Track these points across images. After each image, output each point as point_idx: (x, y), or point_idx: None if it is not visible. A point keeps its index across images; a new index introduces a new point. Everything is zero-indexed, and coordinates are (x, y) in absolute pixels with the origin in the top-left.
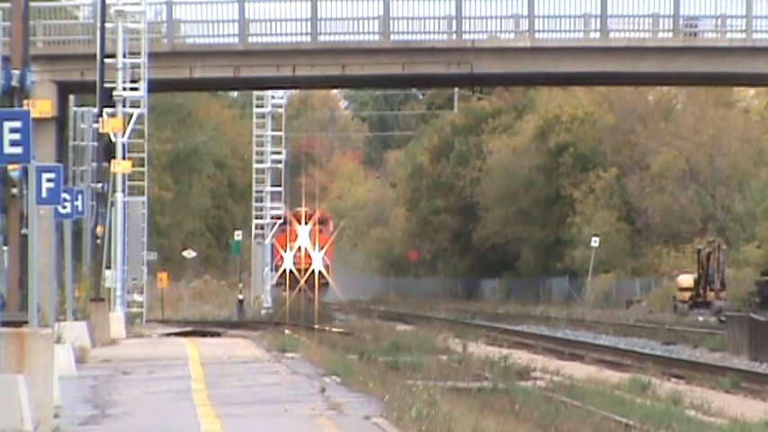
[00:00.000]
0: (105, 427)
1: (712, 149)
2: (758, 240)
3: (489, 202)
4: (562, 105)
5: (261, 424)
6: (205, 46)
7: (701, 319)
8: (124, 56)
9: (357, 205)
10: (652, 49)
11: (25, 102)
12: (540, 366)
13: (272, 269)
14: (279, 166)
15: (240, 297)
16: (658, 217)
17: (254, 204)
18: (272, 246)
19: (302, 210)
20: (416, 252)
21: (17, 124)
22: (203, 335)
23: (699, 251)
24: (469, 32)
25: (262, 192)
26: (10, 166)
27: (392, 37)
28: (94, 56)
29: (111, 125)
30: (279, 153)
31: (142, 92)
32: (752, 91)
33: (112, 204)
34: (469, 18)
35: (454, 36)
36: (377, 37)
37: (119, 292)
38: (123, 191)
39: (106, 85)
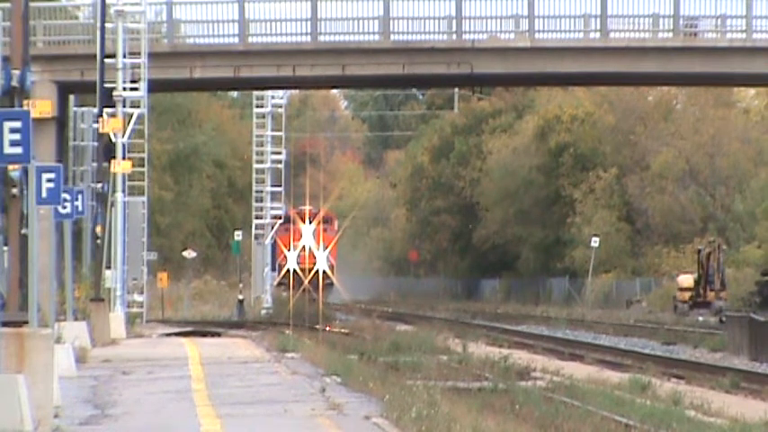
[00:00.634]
0: (105, 428)
1: (712, 149)
2: (758, 240)
3: (489, 203)
4: (562, 105)
5: (261, 424)
6: (205, 46)
7: (701, 319)
8: (124, 56)
9: (357, 205)
10: (652, 49)
11: (25, 102)
12: (541, 366)
13: (272, 269)
14: (279, 166)
15: (240, 297)
16: (658, 217)
17: (254, 204)
18: (275, 245)
19: (306, 208)
20: (416, 252)
21: (17, 124)
22: (203, 335)
23: (699, 251)
24: (469, 32)
25: (262, 192)
26: (10, 167)
27: (392, 37)
28: (94, 56)
29: (111, 125)
30: (279, 153)
31: (142, 92)
32: (752, 91)
33: (112, 204)
34: (469, 18)
35: (454, 36)
36: (377, 37)
37: (119, 292)
38: (123, 191)
39: (106, 85)
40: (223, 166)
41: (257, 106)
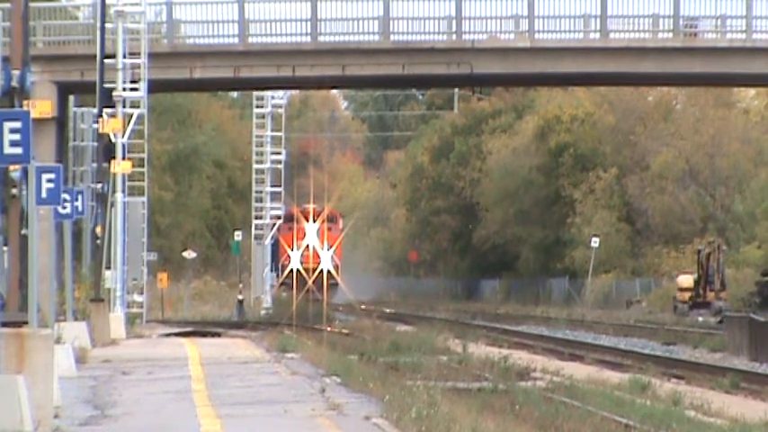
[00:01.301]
0: (105, 428)
1: (712, 149)
2: (758, 241)
3: (489, 203)
4: (562, 106)
5: (261, 424)
6: (205, 46)
7: (700, 319)
8: (124, 56)
9: (357, 205)
10: (652, 50)
11: (25, 102)
12: (540, 367)
13: (272, 269)
14: (279, 166)
15: (240, 297)
16: (658, 217)
17: (254, 205)
18: (278, 244)
19: (310, 207)
20: (416, 252)
21: (17, 124)
22: (203, 335)
23: (699, 251)
24: (469, 33)
25: (262, 192)
26: (11, 167)
27: (392, 37)
28: (94, 56)
29: (110, 125)
30: (279, 153)
31: (142, 92)
32: (752, 91)
33: (112, 205)
34: (469, 18)
35: (454, 36)
36: (377, 37)
37: (119, 293)
38: (123, 191)
39: (106, 86)
40: (223, 166)
41: (257, 106)
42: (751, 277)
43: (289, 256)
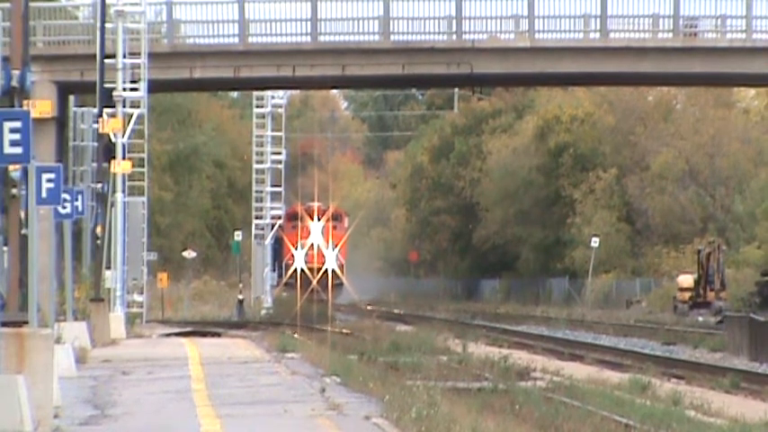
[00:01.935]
0: (105, 428)
1: (712, 150)
2: (758, 241)
3: (489, 203)
4: (562, 106)
5: (261, 424)
6: (205, 46)
7: (700, 319)
8: (124, 56)
9: (357, 205)
10: (652, 50)
11: (25, 102)
12: (540, 367)
13: (272, 269)
14: (279, 166)
15: (240, 297)
16: (658, 217)
17: (254, 204)
18: (279, 243)
19: (315, 205)
20: (416, 252)
21: (17, 124)
22: (203, 335)
23: (699, 251)
24: (469, 33)
25: (262, 192)
26: (11, 167)
27: (392, 37)
28: (94, 56)
29: (110, 125)
30: (279, 153)
31: (142, 92)
32: (752, 91)
33: (112, 205)
34: (469, 18)
35: (454, 36)
36: (377, 37)
37: (119, 293)
38: (123, 191)
39: (106, 86)
40: (223, 166)
41: (257, 106)
42: (751, 277)
43: (293, 256)
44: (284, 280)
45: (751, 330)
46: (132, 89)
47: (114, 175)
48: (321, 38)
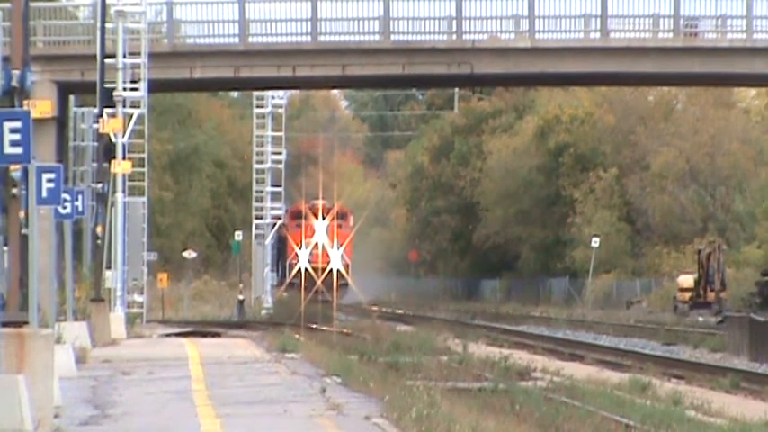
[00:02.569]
0: (105, 428)
1: (712, 149)
2: (758, 241)
3: (489, 203)
4: (562, 106)
5: (261, 424)
6: (205, 46)
7: (701, 319)
8: (124, 56)
9: (357, 206)
10: (652, 49)
11: (25, 102)
12: (541, 367)
13: (273, 269)
14: (279, 166)
15: (240, 297)
16: (658, 217)
17: (254, 204)
18: (282, 242)
19: (319, 203)
20: (417, 252)
21: (17, 124)
22: (203, 335)
23: (699, 251)
24: (469, 33)
25: (262, 192)
26: (11, 167)
27: (392, 37)
28: (94, 56)
29: (111, 125)
30: (279, 153)
31: (142, 92)
32: (752, 91)
33: (112, 205)
34: (469, 18)
35: (454, 36)
36: (377, 37)
37: (119, 293)
38: (123, 191)
39: (106, 86)
40: (223, 166)
41: (257, 106)
42: (751, 277)
43: (297, 255)
44: (288, 280)
45: (751, 330)
46: (132, 89)
47: (114, 175)
48: (321, 38)
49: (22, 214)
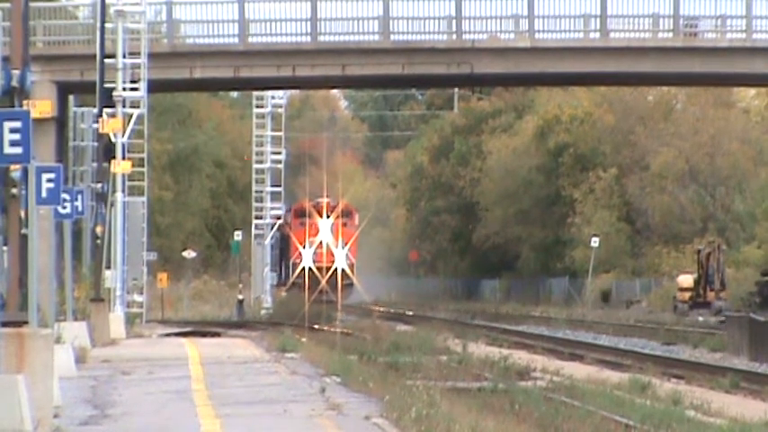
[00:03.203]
0: (105, 428)
1: (712, 149)
2: (758, 240)
3: (489, 203)
4: (562, 106)
5: (261, 424)
6: (205, 46)
7: (701, 319)
8: (124, 56)
9: (357, 205)
10: (652, 49)
11: (25, 102)
12: (540, 366)
13: (272, 269)
14: (279, 166)
15: (240, 297)
16: (658, 217)
17: (254, 204)
18: (286, 240)
19: (324, 201)
20: (417, 252)
21: (17, 124)
22: (203, 335)
23: (699, 251)
24: (469, 32)
25: (262, 192)
26: (11, 167)
27: (392, 37)
28: (94, 56)
29: (110, 125)
30: (279, 153)
31: (142, 92)
32: (752, 91)
33: (112, 204)
34: (469, 18)
35: (454, 36)
36: (377, 37)
37: (119, 293)
38: (123, 191)
39: (106, 86)
40: (223, 166)
41: (257, 106)
42: (751, 277)
43: (300, 254)
44: (292, 279)
45: (751, 330)
46: (132, 89)
47: (114, 174)
48: (321, 38)
49: (21, 214)
